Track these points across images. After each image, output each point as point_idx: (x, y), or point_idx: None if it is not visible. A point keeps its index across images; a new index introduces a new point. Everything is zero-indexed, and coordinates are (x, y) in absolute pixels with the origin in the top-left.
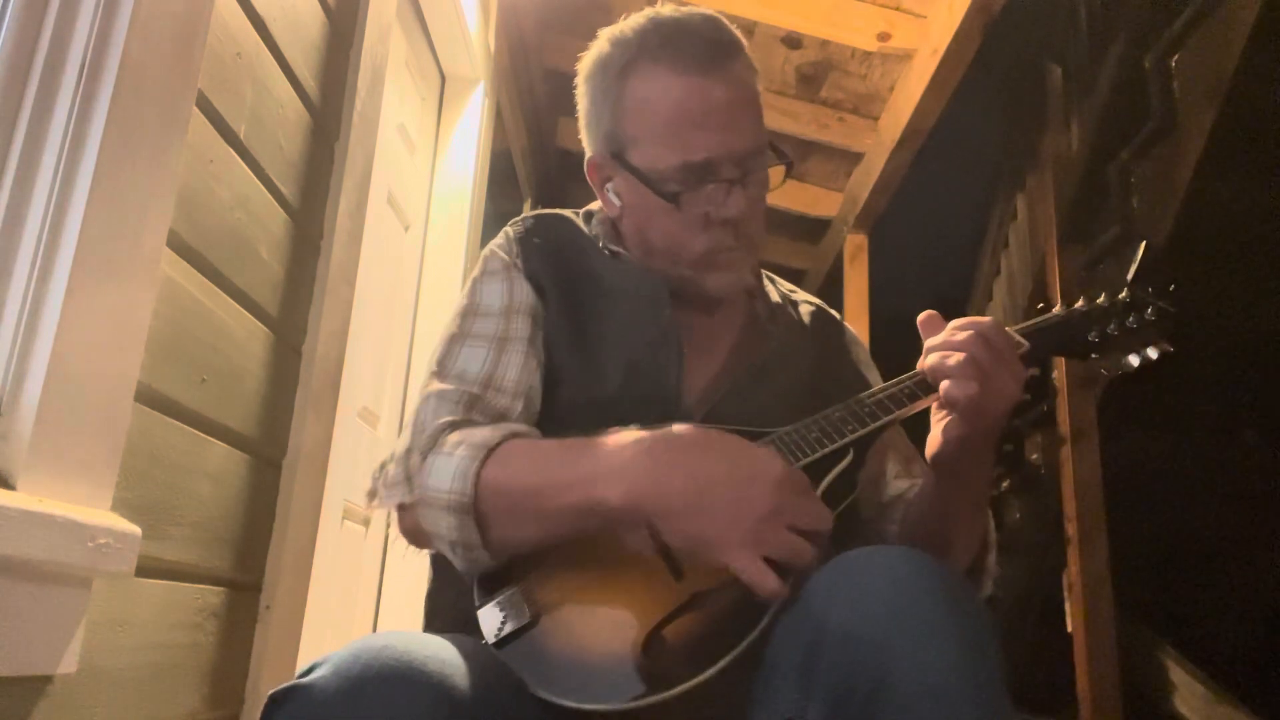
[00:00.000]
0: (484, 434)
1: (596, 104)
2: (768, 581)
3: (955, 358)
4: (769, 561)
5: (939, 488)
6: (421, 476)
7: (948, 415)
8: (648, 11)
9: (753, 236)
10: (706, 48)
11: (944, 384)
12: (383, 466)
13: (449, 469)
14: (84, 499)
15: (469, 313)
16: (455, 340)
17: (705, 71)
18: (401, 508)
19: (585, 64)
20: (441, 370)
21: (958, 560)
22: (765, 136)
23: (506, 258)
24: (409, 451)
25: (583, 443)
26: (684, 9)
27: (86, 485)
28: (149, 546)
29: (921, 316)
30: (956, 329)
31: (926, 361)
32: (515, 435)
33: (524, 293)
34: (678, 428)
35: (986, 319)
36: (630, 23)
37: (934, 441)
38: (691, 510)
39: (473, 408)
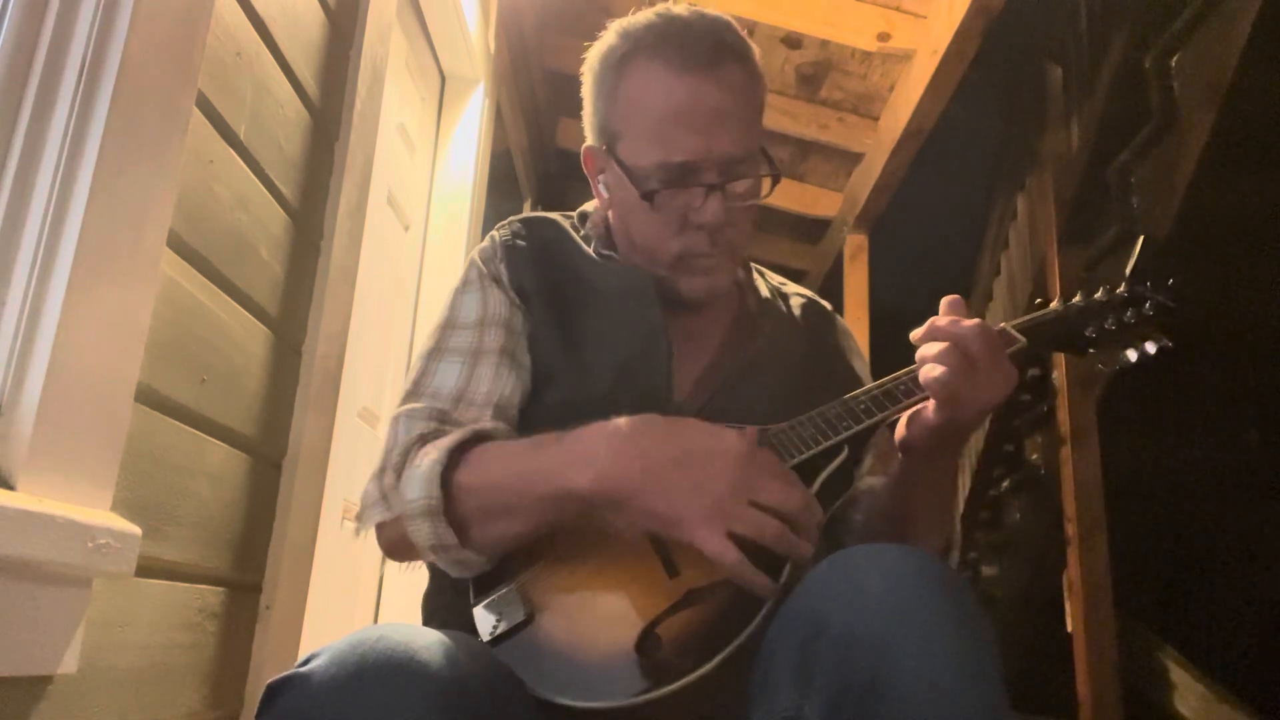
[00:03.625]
0: (448, 439)
1: (594, 94)
2: (729, 554)
3: (940, 345)
4: (758, 552)
5: (903, 473)
6: (397, 492)
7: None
8: (660, 7)
9: (732, 243)
10: (706, 48)
11: (924, 369)
12: (365, 489)
13: (418, 477)
14: (84, 499)
15: (446, 326)
16: (431, 356)
17: (697, 71)
18: (380, 525)
19: (591, 54)
20: (416, 389)
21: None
22: (757, 144)
23: (485, 268)
24: (382, 471)
25: (549, 437)
26: (695, 10)
27: (86, 485)
28: (149, 546)
29: (945, 300)
30: (943, 323)
31: (919, 349)
32: (481, 436)
33: (499, 303)
34: (644, 415)
35: (977, 320)
36: (640, 16)
37: (903, 424)
38: (654, 490)
39: (443, 422)
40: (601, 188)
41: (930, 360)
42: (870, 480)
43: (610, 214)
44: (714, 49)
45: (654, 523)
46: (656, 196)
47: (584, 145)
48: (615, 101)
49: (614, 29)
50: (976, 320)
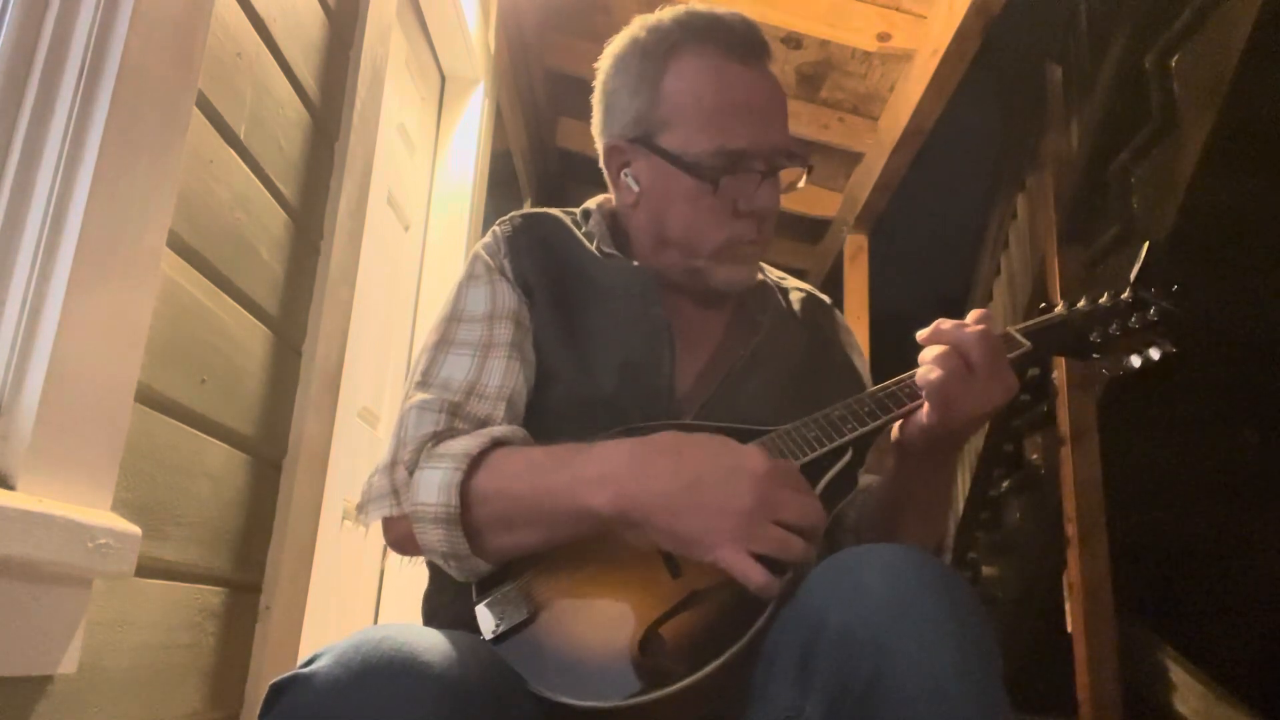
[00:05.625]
0: (466, 443)
1: (629, 86)
2: (754, 575)
3: (940, 348)
4: (761, 558)
5: (897, 473)
6: (409, 491)
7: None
8: (683, 6)
9: (769, 234)
10: (752, 42)
11: (921, 370)
12: (370, 480)
13: (434, 481)
14: (84, 499)
15: (452, 319)
16: (439, 348)
17: (751, 62)
18: (388, 520)
19: (616, 47)
20: (425, 380)
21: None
22: (789, 138)
23: (491, 261)
24: (393, 464)
25: (568, 450)
26: (720, 9)
27: (86, 485)
28: (149, 546)
29: (973, 313)
30: (958, 325)
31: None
32: (499, 442)
33: (507, 297)
34: (663, 432)
35: (981, 326)
36: (667, 13)
37: (899, 425)
38: (676, 510)
39: (455, 416)
40: (630, 182)
41: (928, 362)
42: (866, 478)
43: (634, 210)
44: (758, 44)
45: (674, 543)
46: (721, 181)
47: (605, 142)
48: (660, 91)
49: (639, 25)
50: (981, 326)
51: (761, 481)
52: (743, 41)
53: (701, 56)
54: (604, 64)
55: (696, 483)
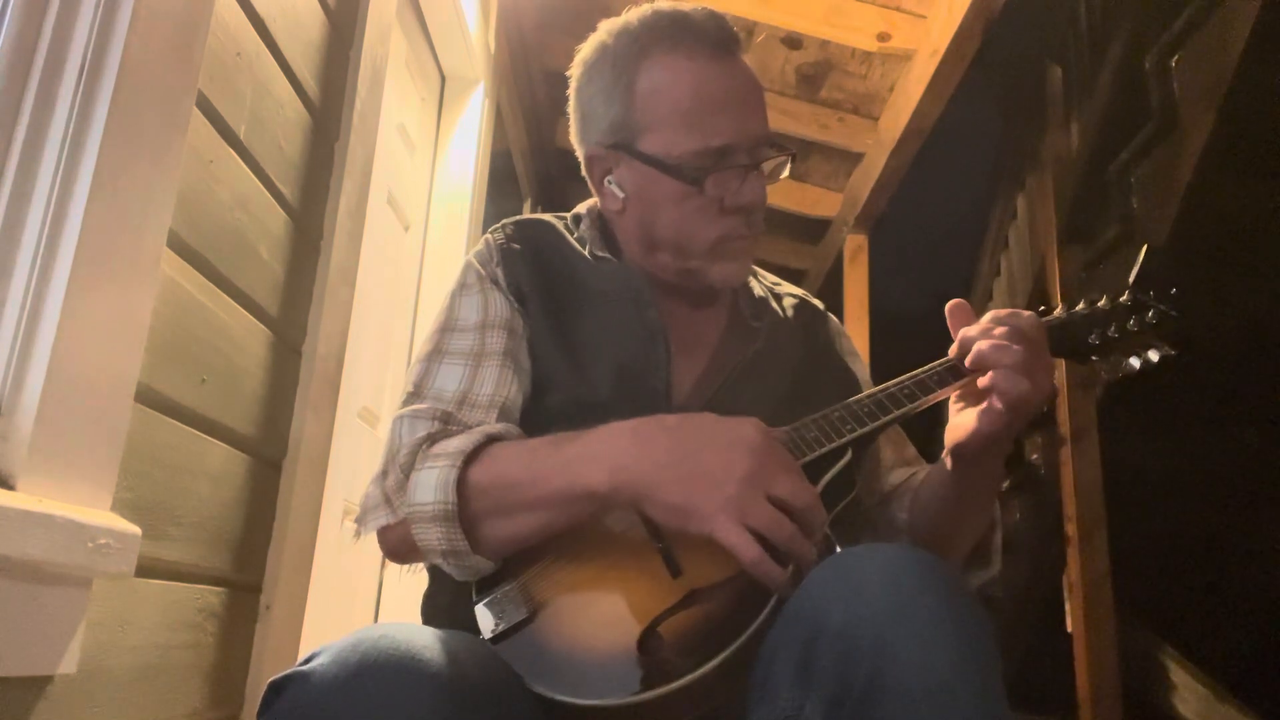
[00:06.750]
0: (460, 441)
1: (603, 93)
2: (749, 549)
3: (1013, 353)
4: (768, 549)
5: (957, 476)
6: (405, 495)
7: (967, 407)
8: (646, 7)
9: (759, 226)
10: (720, 37)
11: (995, 375)
12: (365, 492)
13: (430, 481)
14: (84, 499)
15: (445, 330)
16: (431, 359)
17: (722, 57)
18: (384, 529)
19: (585, 56)
20: (418, 391)
21: (967, 541)
22: (769, 128)
23: (482, 270)
24: (384, 473)
25: (565, 436)
26: (685, 6)
27: (86, 485)
28: (149, 546)
29: (951, 304)
30: (1001, 321)
31: (975, 349)
32: (493, 438)
33: (499, 306)
34: (663, 413)
35: (1027, 313)
36: (632, 15)
37: (959, 432)
38: (672, 481)
39: (447, 423)
40: (615, 189)
41: (1009, 370)
42: (900, 474)
43: (621, 216)
44: (727, 38)
45: (671, 516)
46: (707, 180)
47: (587, 150)
48: (634, 96)
49: (605, 31)
50: (1006, 327)
51: (757, 453)
52: (712, 36)
53: (673, 56)
54: (575, 72)
55: (690, 455)
